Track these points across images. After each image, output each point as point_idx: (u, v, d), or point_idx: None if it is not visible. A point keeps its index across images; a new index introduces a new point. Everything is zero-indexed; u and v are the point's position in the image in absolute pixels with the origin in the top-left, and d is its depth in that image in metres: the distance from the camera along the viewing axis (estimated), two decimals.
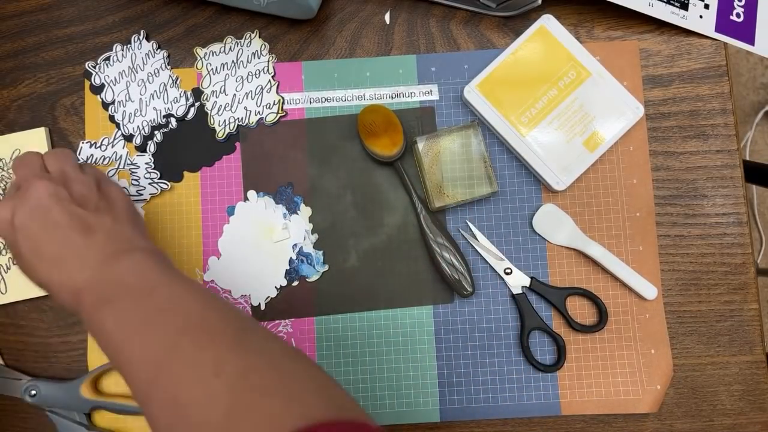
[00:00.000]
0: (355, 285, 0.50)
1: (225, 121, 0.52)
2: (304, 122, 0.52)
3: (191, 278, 0.39)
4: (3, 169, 0.52)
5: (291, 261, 0.50)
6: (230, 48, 0.53)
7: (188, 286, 0.37)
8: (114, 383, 0.50)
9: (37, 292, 0.50)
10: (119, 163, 0.52)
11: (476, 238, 0.50)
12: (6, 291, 0.51)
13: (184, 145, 0.52)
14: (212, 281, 0.50)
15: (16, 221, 0.39)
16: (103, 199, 0.42)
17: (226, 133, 0.52)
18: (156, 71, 0.53)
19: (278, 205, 0.51)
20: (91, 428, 0.48)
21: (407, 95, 0.52)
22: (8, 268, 0.51)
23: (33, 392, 0.48)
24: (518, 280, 0.50)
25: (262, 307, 0.50)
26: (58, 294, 0.38)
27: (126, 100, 0.53)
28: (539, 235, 0.50)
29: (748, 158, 1.31)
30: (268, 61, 0.53)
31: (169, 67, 0.53)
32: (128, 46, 0.53)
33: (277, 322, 0.50)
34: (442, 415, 0.49)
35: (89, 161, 0.52)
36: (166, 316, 0.34)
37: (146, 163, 0.52)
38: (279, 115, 0.52)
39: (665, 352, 0.49)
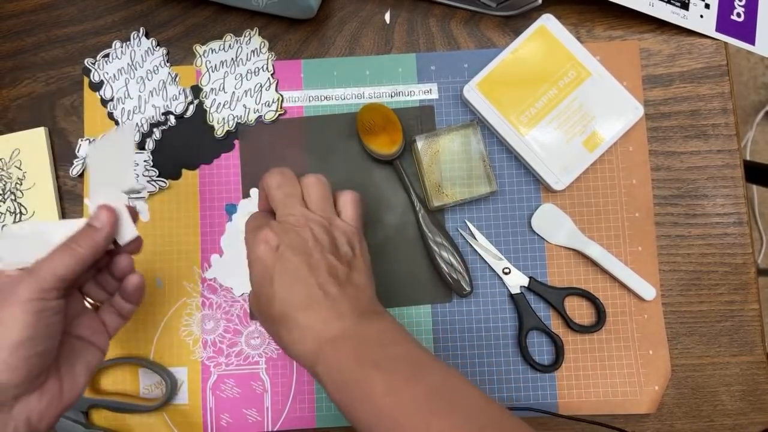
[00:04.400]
0: None
1: (224, 118, 0.52)
2: (303, 120, 0.52)
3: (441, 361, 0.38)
4: (2, 169, 0.52)
5: None
6: (230, 45, 0.53)
7: (453, 371, 0.36)
8: (112, 381, 0.50)
9: None
10: None
11: (475, 238, 0.50)
12: None
13: (183, 143, 0.52)
14: (213, 279, 0.50)
15: (280, 251, 0.38)
16: (356, 257, 0.40)
17: (225, 130, 0.52)
18: (155, 68, 0.53)
19: None
20: (89, 427, 0.48)
21: (407, 94, 0.52)
22: None
23: None
24: (517, 280, 0.49)
25: None
26: (299, 335, 0.37)
27: (125, 97, 0.53)
28: (538, 234, 0.50)
29: (748, 158, 1.30)
30: (268, 59, 0.53)
31: (168, 64, 0.53)
32: (127, 42, 0.53)
33: None
34: None
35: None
36: (454, 408, 0.33)
37: (145, 161, 0.52)
38: (278, 113, 0.52)
39: (663, 352, 0.49)
